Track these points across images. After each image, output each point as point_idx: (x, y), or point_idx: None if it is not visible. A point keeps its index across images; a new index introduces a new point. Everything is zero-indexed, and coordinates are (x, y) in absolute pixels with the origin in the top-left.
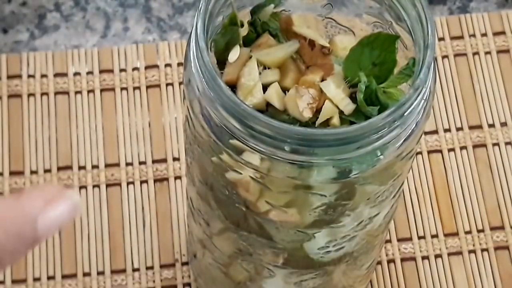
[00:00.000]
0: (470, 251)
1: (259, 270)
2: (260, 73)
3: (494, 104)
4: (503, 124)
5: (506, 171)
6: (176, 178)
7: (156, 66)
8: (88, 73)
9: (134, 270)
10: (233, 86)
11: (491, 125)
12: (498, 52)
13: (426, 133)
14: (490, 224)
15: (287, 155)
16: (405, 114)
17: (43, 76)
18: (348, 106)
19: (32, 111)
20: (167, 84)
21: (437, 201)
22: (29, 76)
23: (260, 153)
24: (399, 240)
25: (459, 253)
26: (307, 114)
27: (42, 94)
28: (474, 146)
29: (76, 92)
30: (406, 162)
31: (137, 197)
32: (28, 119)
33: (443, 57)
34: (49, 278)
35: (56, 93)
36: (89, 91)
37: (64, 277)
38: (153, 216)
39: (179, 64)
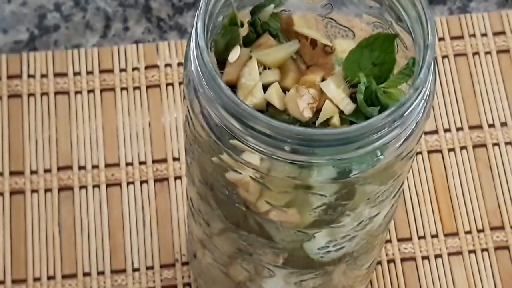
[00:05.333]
0: (470, 251)
1: (259, 270)
2: (260, 73)
3: (494, 104)
4: (503, 124)
5: (506, 171)
6: (176, 178)
7: (156, 66)
8: (88, 73)
9: (134, 270)
10: (233, 86)
11: (491, 125)
12: (498, 52)
13: (426, 133)
14: (490, 224)
15: (287, 155)
16: (405, 114)
17: (43, 76)
18: (348, 106)
19: (32, 111)
20: (167, 84)
21: (437, 201)
22: (29, 76)
23: (260, 153)
24: (399, 240)
25: (459, 253)
26: (307, 114)
27: (42, 94)
28: (474, 146)
29: (76, 92)
30: (406, 162)
31: (137, 197)
32: (28, 119)
33: (443, 57)
34: (49, 278)
35: (56, 93)
36: (89, 91)
37: (64, 277)
38: (153, 216)
39: (179, 64)
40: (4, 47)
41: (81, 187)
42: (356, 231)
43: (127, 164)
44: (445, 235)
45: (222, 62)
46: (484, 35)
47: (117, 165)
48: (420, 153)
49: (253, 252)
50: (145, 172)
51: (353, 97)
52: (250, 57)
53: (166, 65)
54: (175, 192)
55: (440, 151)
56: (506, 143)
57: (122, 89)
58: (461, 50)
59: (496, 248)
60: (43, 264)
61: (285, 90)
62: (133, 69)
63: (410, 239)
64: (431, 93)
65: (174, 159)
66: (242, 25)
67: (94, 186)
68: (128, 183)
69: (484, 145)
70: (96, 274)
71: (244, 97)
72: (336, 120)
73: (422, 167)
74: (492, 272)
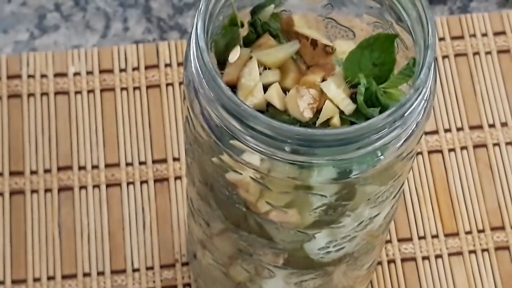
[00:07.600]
0: (470, 252)
1: (259, 271)
2: (260, 74)
3: (495, 104)
4: (504, 124)
5: (506, 171)
6: (176, 178)
7: (156, 66)
8: (88, 73)
9: (134, 270)
10: (233, 87)
11: (492, 125)
12: (499, 52)
13: (426, 133)
14: (491, 224)
15: (288, 156)
16: (405, 115)
17: (43, 76)
18: (348, 106)
19: (32, 112)
20: (167, 84)
21: (437, 201)
22: (29, 76)
23: (260, 153)
24: (399, 240)
25: (460, 253)
26: (308, 115)
27: (42, 94)
28: (475, 146)
29: (76, 92)
30: (406, 162)
31: (137, 198)
32: (28, 119)
33: (444, 57)
34: (49, 278)
35: (56, 93)
36: (89, 91)
37: (64, 277)
38: (153, 217)
39: (179, 64)
40: (4, 47)
41: (81, 188)
42: (356, 232)
43: (127, 164)
44: (446, 235)
45: (222, 63)
46: (484, 35)
47: (117, 165)
48: (421, 153)
49: (253, 253)
50: (145, 172)
51: (353, 98)
52: (250, 58)
53: (166, 65)
54: (175, 192)
55: (441, 151)
56: (507, 143)
57: (122, 89)
58: (462, 50)
59: (496, 249)
60: (43, 265)
61: (285, 90)
62: (133, 69)
63: (410, 239)
64: (432, 94)
65: (174, 159)
66: (242, 25)
67: (94, 187)
68: (128, 183)
69: (484, 145)
70: (96, 275)
71: (244, 98)
72: (336, 120)
73: (423, 167)
74: (492, 273)
